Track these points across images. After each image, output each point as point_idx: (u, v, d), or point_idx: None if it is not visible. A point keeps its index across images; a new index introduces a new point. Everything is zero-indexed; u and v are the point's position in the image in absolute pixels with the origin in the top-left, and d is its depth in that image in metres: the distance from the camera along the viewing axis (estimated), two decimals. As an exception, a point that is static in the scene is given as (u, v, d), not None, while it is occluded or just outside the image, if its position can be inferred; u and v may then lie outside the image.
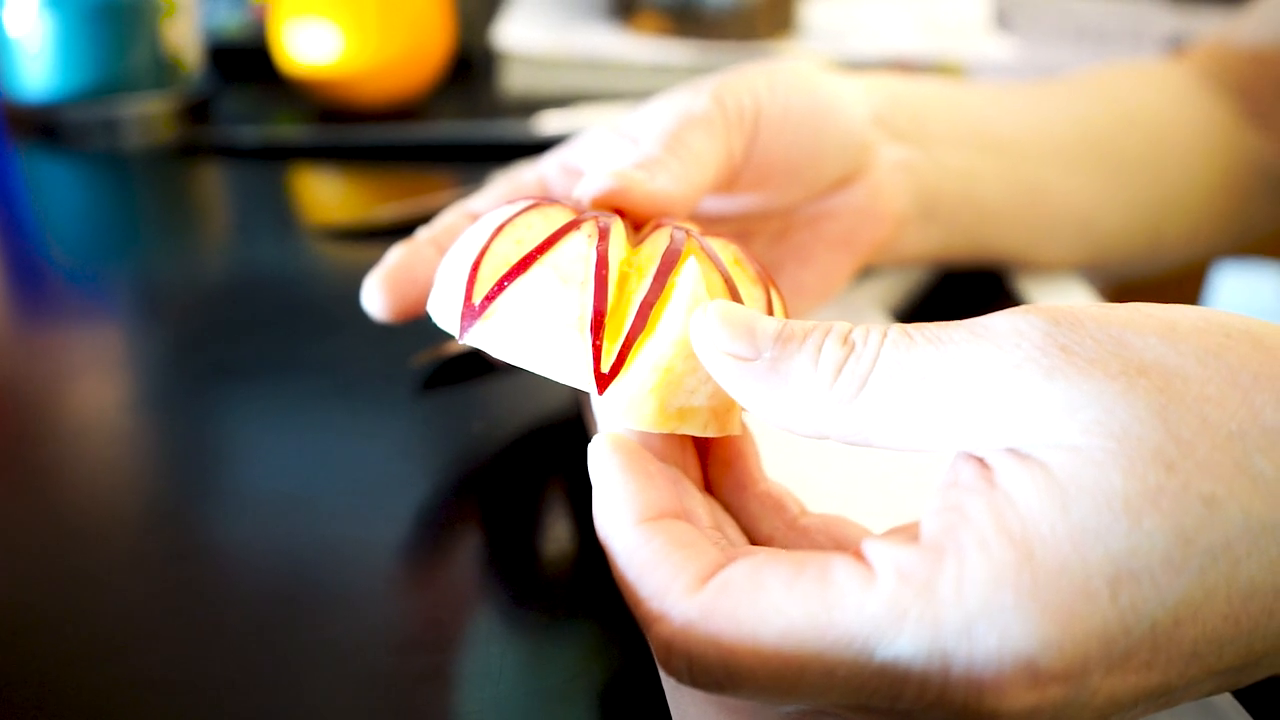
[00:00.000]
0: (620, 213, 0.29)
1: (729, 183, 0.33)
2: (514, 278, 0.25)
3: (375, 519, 0.30)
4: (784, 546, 0.24)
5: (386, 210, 0.49)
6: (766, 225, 0.37)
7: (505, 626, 0.27)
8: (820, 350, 0.22)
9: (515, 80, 0.68)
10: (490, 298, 0.25)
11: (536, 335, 0.25)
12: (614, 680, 0.26)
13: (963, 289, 0.45)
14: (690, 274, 0.24)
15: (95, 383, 0.37)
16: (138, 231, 0.52)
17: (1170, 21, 0.83)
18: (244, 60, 0.68)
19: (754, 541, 0.25)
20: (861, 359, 0.21)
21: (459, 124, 0.61)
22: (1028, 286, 0.44)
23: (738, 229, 0.37)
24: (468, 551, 0.30)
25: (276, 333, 0.40)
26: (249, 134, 0.58)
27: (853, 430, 0.21)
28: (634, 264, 0.26)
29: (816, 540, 0.25)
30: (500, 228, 0.26)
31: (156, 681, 0.25)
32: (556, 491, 0.32)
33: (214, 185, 0.58)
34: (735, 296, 0.26)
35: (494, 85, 0.69)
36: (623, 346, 0.24)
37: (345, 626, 0.26)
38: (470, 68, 0.71)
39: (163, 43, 0.59)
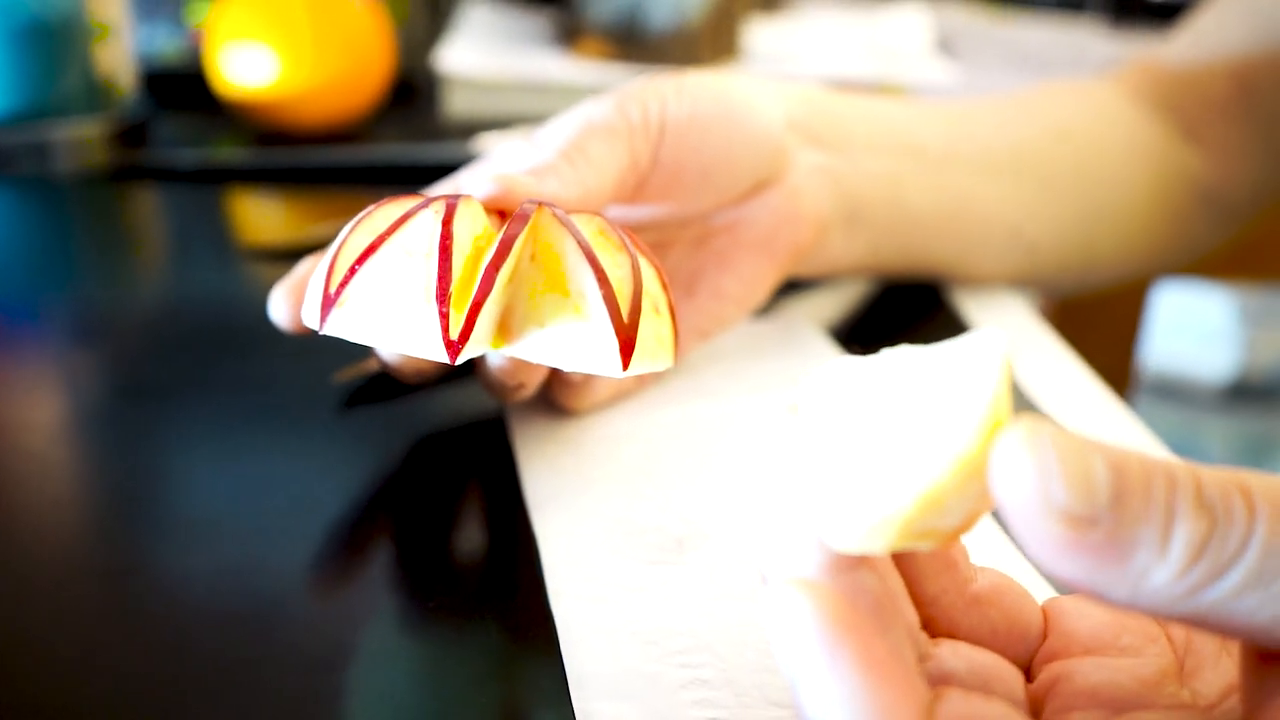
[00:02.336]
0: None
1: (636, 189, 0.33)
2: (364, 260, 0.25)
3: (289, 539, 0.29)
4: (952, 614, 0.22)
5: (322, 229, 0.48)
6: (684, 233, 0.37)
7: (412, 639, 0.27)
8: (1172, 519, 0.16)
9: (457, 103, 0.68)
10: (344, 284, 0.25)
11: (388, 311, 0.25)
12: (520, 688, 0.25)
13: (901, 304, 0.45)
14: (992, 381, 0.18)
15: (22, 410, 0.36)
16: (70, 256, 0.51)
17: (1111, 48, 0.84)
18: (182, 85, 0.67)
19: (917, 600, 0.21)
20: (1228, 541, 0.16)
21: (399, 146, 0.60)
22: (965, 301, 0.44)
23: (655, 238, 0.37)
24: (378, 568, 0.29)
25: (208, 354, 0.39)
26: (184, 157, 0.58)
27: (1204, 618, 0.17)
28: (491, 239, 0.26)
29: (988, 615, 0.22)
30: (357, 223, 0.26)
31: (61, 704, 0.24)
32: (471, 502, 0.32)
33: (149, 209, 0.57)
34: (594, 262, 0.26)
35: (436, 108, 0.68)
36: (470, 311, 0.24)
37: (256, 647, 0.26)
38: (414, 91, 0.71)
39: (95, 66, 0.58)
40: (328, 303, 0.26)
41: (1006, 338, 0.19)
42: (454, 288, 0.25)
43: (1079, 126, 0.46)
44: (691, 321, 0.36)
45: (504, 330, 0.27)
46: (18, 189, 0.56)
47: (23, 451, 0.34)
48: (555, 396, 0.33)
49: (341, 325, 0.26)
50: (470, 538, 0.30)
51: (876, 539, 0.18)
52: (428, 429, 0.35)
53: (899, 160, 0.40)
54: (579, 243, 0.26)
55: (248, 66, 0.59)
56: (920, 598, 0.22)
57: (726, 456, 0.32)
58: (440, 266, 0.25)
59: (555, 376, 0.32)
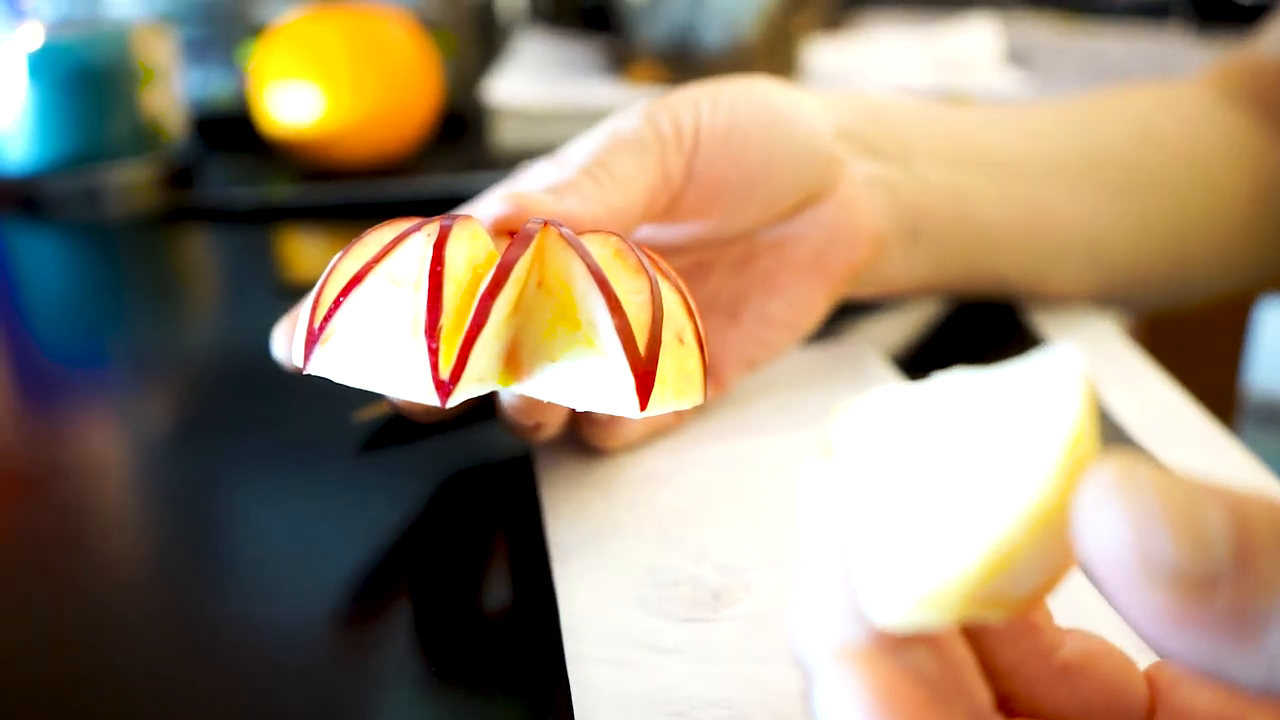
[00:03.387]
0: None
1: (670, 207, 0.30)
2: (349, 291, 0.22)
3: (300, 593, 0.27)
4: (1036, 688, 0.18)
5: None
6: (726, 253, 0.34)
7: (431, 702, 0.24)
8: None
9: (507, 135, 0.66)
10: (328, 318, 0.23)
11: (373, 348, 0.22)
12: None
13: (974, 326, 0.41)
14: (1072, 411, 0.15)
15: (72, 453, 0.35)
16: (122, 299, 0.50)
17: (1198, 55, 0.79)
18: (233, 127, 0.67)
19: (991, 672, 0.18)
20: None
21: (447, 178, 0.59)
22: (1044, 321, 0.41)
23: (695, 260, 0.34)
24: (387, 627, 0.27)
25: (246, 393, 0.38)
26: (233, 197, 0.57)
27: None
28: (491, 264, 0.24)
29: (1080, 688, 0.18)
30: (348, 249, 0.24)
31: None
32: (492, 553, 0.29)
33: (199, 250, 0.56)
34: (605, 288, 0.23)
35: (486, 140, 0.67)
36: (462, 347, 0.21)
37: (269, 704, 0.24)
38: (464, 124, 0.69)
39: (143, 110, 0.58)
40: (311, 339, 0.23)
41: (1085, 357, 0.15)
42: (446, 321, 0.22)
43: (1165, 128, 0.42)
44: (736, 350, 0.33)
45: (513, 365, 0.24)
46: (70, 234, 0.56)
47: (60, 496, 0.32)
48: (584, 434, 0.31)
49: (325, 364, 0.23)
50: (489, 592, 0.28)
51: (931, 613, 0.15)
52: (451, 471, 0.32)
53: (964, 169, 0.36)
54: (588, 266, 0.23)
55: (292, 104, 0.58)
56: (995, 669, 0.18)
57: (772, 499, 0.29)
58: (430, 297, 0.22)
59: (582, 413, 0.30)
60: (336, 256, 0.25)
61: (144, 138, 0.59)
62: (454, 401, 0.22)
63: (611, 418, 0.29)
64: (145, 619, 0.27)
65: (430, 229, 0.23)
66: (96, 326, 0.47)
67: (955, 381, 0.16)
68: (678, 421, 0.33)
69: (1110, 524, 0.13)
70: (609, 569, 0.26)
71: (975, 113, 0.39)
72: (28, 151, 0.56)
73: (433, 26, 0.69)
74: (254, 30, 0.67)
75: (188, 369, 0.42)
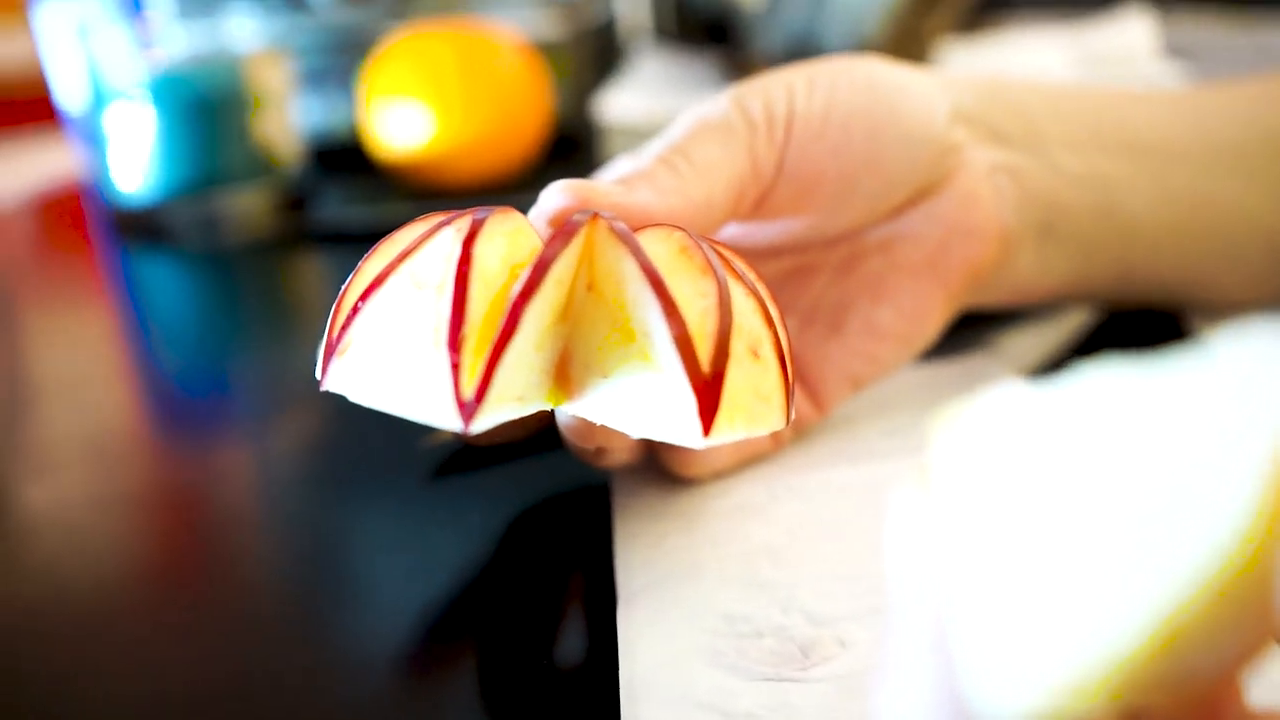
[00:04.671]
0: None
1: (759, 202, 0.27)
2: (369, 295, 0.19)
3: (355, 637, 0.25)
4: None
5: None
6: (828, 256, 0.30)
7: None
8: None
9: (618, 152, 0.64)
10: (346, 326, 0.20)
11: (390, 361, 0.19)
12: None
13: (1130, 337, 0.36)
14: (1271, 442, 0.11)
15: (207, 489, 0.34)
16: (239, 324, 0.50)
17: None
18: (351, 154, 0.67)
19: None
20: None
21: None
22: (1216, 331, 0.35)
23: (792, 265, 0.30)
24: (456, 674, 0.24)
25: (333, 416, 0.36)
26: (345, 220, 0.57)
27: None
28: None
29: None
30: (376, 247, 0.21)
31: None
32: (566, 599, 0.26)
33: (313, 274, 0.56)
34: (661, 290, 0.19)
35: (597, 159, 0.65)
36: (489, 359, 0.18)
37: None
38: (576, 143, 0.67)
39: (256, 137, 0.58)
40: (329, 351, 0.21)
41: None
42: (472, 330, 0.19)
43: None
44: (840, 366, 0.29)
45: (564, 381, 0.21)
46: (187, 261, 0.56)
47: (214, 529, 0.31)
48: (662, 459, 0.27)
49: (342, 379, 0.20)
50: (554, 642, 0.25)
51: (1071, 705, 0.11)
52: (525, 503, 0.29)
53: (1109, 157, 0.31)
54: (641, 265, 0.20)
55: (402, 125, 0.57)
56: None
57: (878, 537, 0.25)
58: (454, 301, 0.19)
59: None
60: (364, 257, 0.22)
61: (259, 164, 0.59)
62: (481, 425, 0.19)
63: None
64: (196, 665, 0.25)
65: (461, 223, 0.21)
66: (217, 352, 0.46)
67: (1101, 382, 0.12)
68: (775, 447, 0.29)
69: None
70: (680, 616, 0.23)
71: (1119, 94, 0.34)
72: (149, 181, 0.57)
73: (547, 46, 0.68)
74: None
75: (305, 393, 0.40)
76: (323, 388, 0.21)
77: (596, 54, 0.75)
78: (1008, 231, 0.29)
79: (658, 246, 0.21)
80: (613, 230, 0.20)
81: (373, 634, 0.25)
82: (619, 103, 0.64)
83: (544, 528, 0.28)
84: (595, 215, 0.21)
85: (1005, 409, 0.12)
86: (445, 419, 0.19)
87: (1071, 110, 0.31)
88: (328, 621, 0.26)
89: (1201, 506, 0.10)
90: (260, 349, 0.47)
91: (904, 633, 0.13)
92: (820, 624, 0.22)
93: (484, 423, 0.19)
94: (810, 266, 0.30)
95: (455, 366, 0.19)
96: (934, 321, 0.29)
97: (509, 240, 0.21)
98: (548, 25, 0.68)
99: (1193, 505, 0.10)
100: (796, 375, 0.29)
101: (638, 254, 0.20)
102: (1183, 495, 0.10)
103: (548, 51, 0.67)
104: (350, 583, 0.27)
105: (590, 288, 0.21)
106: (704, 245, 0.22)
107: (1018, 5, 0.86)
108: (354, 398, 0.20)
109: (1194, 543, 0.10)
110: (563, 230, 0.20)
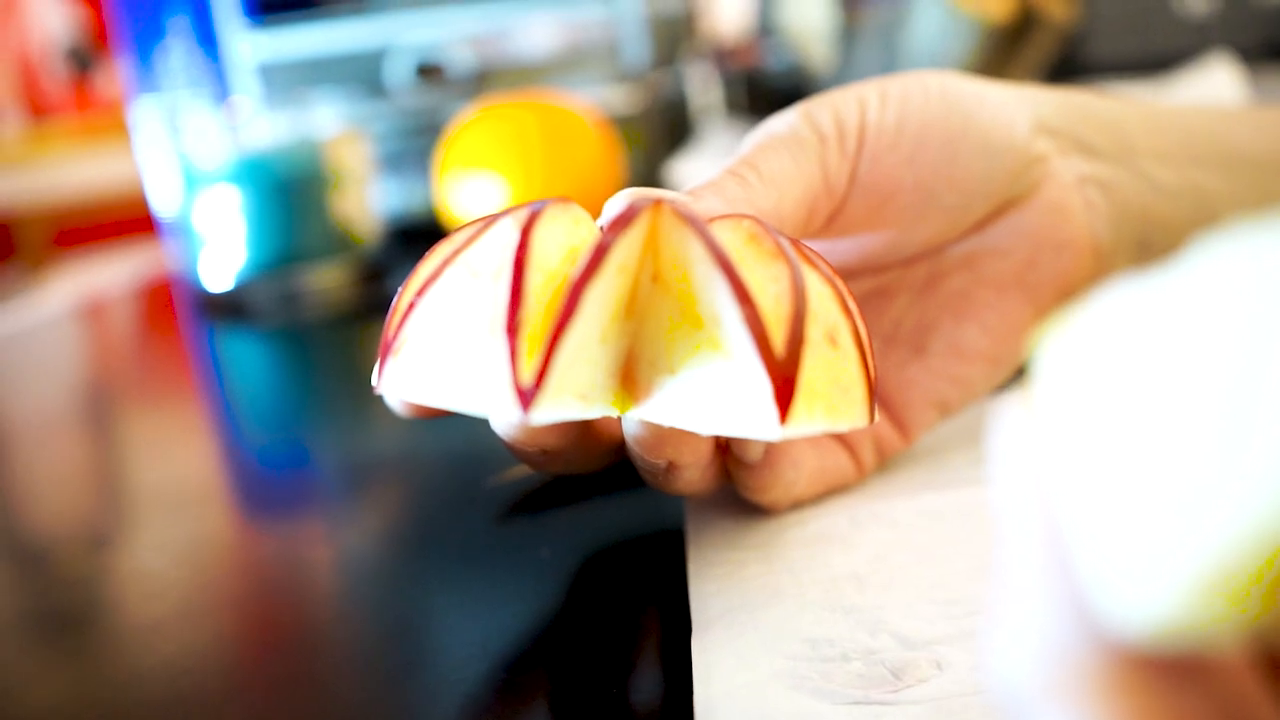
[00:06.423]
0: None
1: (832, 217, 0.26)
2: (425, 290, 0.19)
3: (435, 676, 0.24)
4: None
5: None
6: (908, 274, 0.28)
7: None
8: None
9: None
10: (401, 324, 0.19)
11: (448, 353, 0.18)
12: None
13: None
14: None
15: (302, 561, 0.34)
16: (319, 399, 0.51)
17: None
18: (427, 230, 0.68)
19: None
20: None
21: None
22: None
23: (871, 284, 0.29)
24: (538, 710, 0.22)
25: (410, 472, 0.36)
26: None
27: None
28: None
29: None
30: (434, 248, 0.21)
31: None
32: (640, 639, 0.24)
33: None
34: (730, 271, 0.18)
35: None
36: (549, 344, 0.17)
37: None
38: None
39: (334, 214, 0.60)
40: (385, 350, 0.20)
41: None
42: (530, 315, 0.18)
43: None
44: (924, 390, 0.27)
45: (630, 384, 0.20)
46: (268, 338, 0.57)
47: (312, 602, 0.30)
48: (738, 484, 0.26)
49: (398, 379, 0.20)
50: (626, 674, 0.23)
51: (1215, 605, 0.09)
52: (597, 545, 0.28)
53: (1204, 170, 0.30)
54: (708, 246, 0.19)
55: (478, 195, 0.58)
56: None
57: (970, 562, 0.23)
58: (512, 286, 0.18)
59: (729, 453, 0.25)
60: (421, 258, 0.21)
61: (337, 241, 0.60)
62: (543, 416, 0.18)
63: (768, 460, 0.24)
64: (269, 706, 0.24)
65: (520, 213, 0.20)
66: (297, 428, 0.46)
67: (1221, 262, 0.10)
68: (858, 476, 0.27)
69: None
70: (759, 641, 0.21)
71: (1212, 110, 0.32)
72: (235, 262, 0.59)
73: (622, 120, 0.69)
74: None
75: (385, 456, 0.40)
76: (377, 391, 0.20)
77: (668, 127, 0.76)
78: (1100, 246, 0.28)
79: (726, 234, 0.20)
80: (677, 213, 0.19)
81: (448, 680, 0.24)
82: (686, 169, 0.64)
83: (616, 564, 0.27)
84: (659, 200, 0.20)
85: (1114, 311, 0.11)
86: (504, 408, 0.18)
87: (1161, 123, 0.30)
88: (406, 670, 0.25)
89: None
90: (338, 423, 0.47)
91: (1022, 560, 0.11)
92: (913, 647, 0.20)
93: (544, 413, 0.18)
94: (889, 288, 0.29)
95: (513, 351, 0.18)
96: (1023, 339, 0.27)
97: (568, 229, 0.20)
98: (621, 100, 0.69)
99: None
100: (879, 400, 0.27)
101: (704, 235, 0.19)
102: None
103: (621, 124, 0.68)
104: (426, 632, 0.26)
105: (655, 279, 0.20)
106: (774, 232, 0.21)
107: (1096, 71, 0.85)
108: (409, 397, 0.19)
109: None
110: (624, 214, 0.19)
